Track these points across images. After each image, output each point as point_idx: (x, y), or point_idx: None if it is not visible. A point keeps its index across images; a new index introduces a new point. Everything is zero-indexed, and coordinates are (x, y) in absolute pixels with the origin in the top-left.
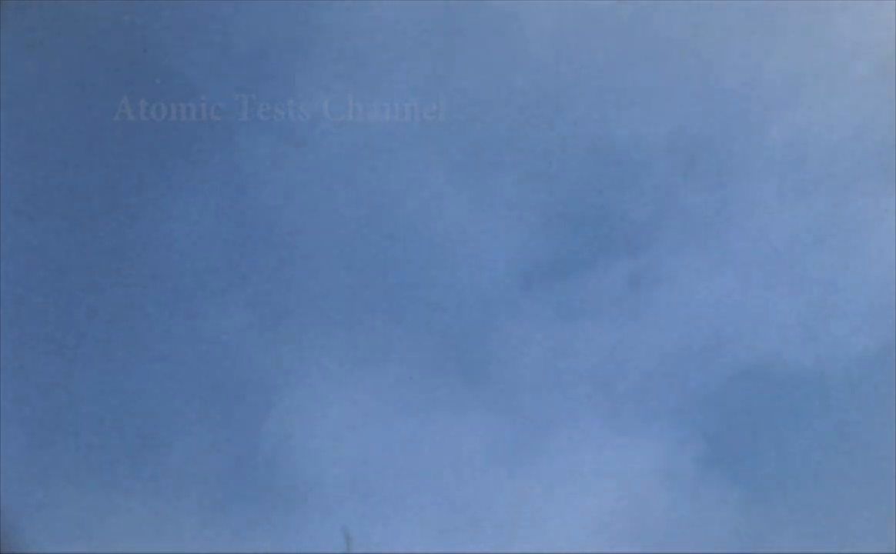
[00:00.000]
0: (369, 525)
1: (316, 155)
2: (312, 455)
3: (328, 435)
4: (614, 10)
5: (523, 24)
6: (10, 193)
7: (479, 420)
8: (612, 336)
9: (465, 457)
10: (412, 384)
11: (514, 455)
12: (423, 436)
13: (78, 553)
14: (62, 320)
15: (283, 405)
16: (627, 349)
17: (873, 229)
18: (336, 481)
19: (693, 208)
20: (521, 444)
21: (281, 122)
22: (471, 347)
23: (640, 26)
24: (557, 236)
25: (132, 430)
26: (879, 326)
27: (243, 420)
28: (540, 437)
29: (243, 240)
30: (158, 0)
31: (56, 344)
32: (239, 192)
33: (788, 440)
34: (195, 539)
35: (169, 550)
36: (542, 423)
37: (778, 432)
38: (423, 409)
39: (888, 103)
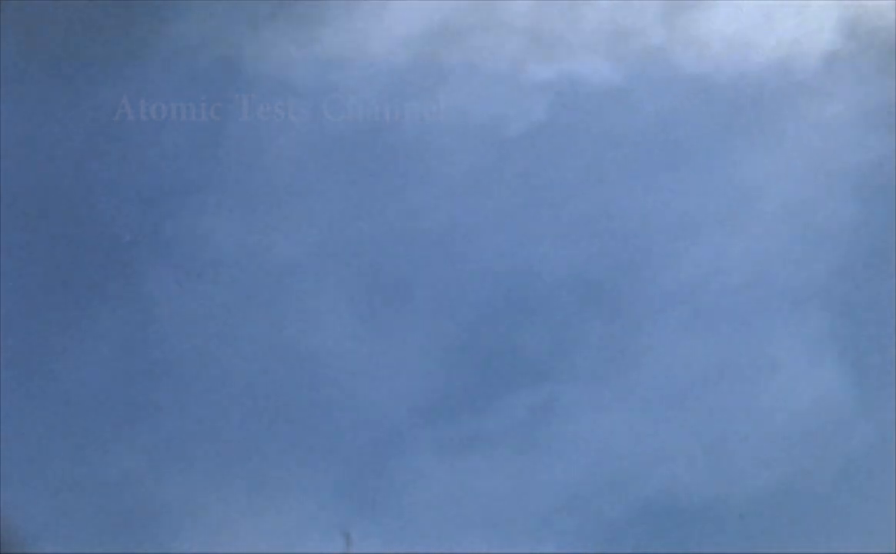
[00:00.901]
0: None
1: (218, 287)
2: None
3: None
4: (518, 147)
5: (428, 160)
6: None
7: None
8: (512, 469)
9: None
10: (313, 515)
11: None
12: None
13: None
14: None
15: (186, 536)
16: (528, 483)
17: (775, 366)
18: None
19: (595, 342)
20: None
21: (183, 254)
22: (369, 481)
23: (543, 162)
24: (459, 370)
25: None
26: (781, 461)
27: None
28: None
29: (144, 371)
30: None
31: None
32: (140, 322)
33: None
34: None
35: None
36: None
37: None
38: (323, 541)
39: (790, 242)
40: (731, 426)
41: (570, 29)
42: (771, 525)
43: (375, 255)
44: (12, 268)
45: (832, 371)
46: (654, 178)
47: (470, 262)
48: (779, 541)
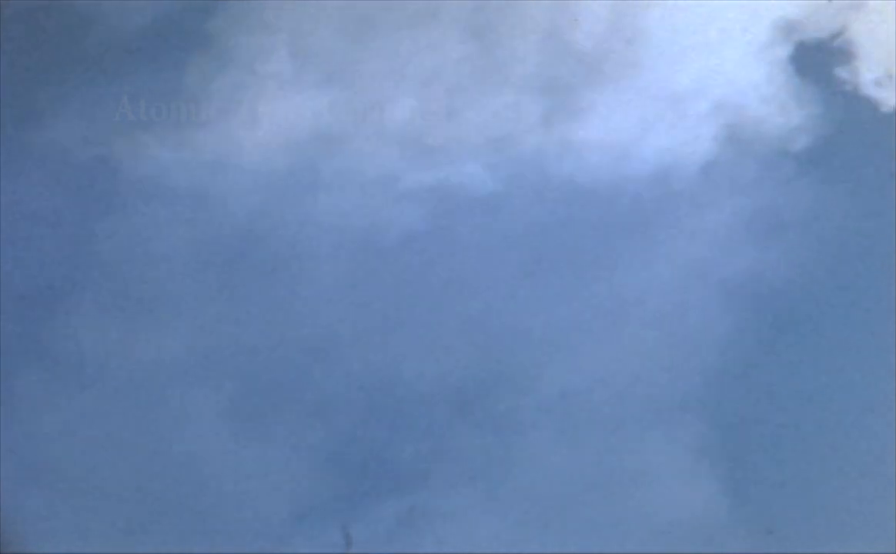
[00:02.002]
0: None
1: (92, 390)
2: None
3: None
4: (394, 255)
5: (303, 267)
6: None
7: None
8: None
9: None
10: None
11: None
12: None
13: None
14: None
15: None
16: None
17: (648, 477)
18: None
19: (466, 452)
20: None
21: (56, 355)
22: None
23: (419, 270)
24: (333, 476)
25: None
26: None
27: None
28: None
29: (15, 477)
30: None
31: None
32: (9, 427)
33: None
34: None
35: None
36: None
37: None
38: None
39: (665, 352)
40: (604, 538)
41: (449, 136)
42: None
43: (249, 362)
44: None
45: (706, 482)
46: (530, 287)
47: (343, 370)
48: None
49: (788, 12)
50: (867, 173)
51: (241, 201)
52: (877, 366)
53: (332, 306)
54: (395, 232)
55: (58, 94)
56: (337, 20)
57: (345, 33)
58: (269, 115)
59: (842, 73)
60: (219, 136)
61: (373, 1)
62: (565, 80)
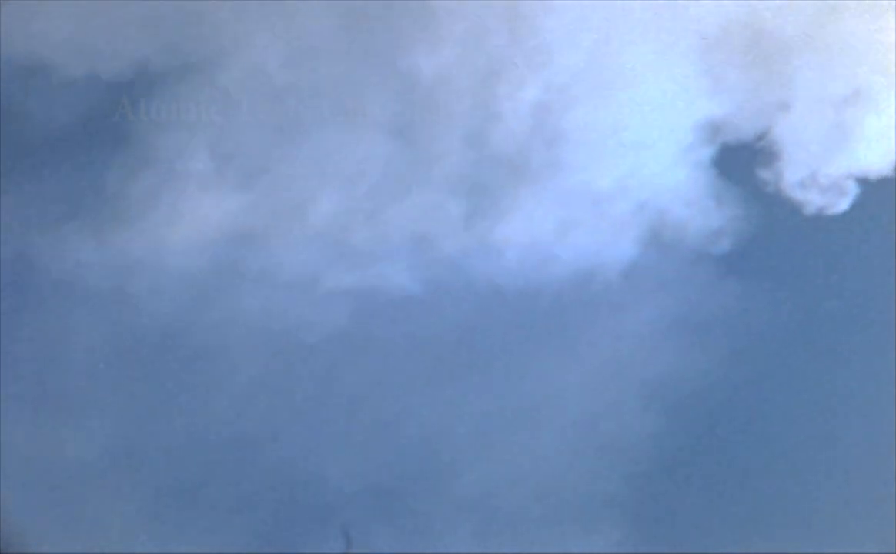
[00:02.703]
0: None
1: (5, 490)
2: None
3: None
4: (316, 353)
5: (224, 365)
6: None
7: None
8: None
9: None
10: None
11: None
12: None
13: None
14: None
15: None
16: None
17: None
18: None
19: (387, 549)
20: None
21: None
22: None
23: (340, 369)
24: None
25: None
26: None
27: None
28: None
29: None
30: None
31: None
32: None
33: None
34: None
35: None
36: None
37: None
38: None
39: (585, 453)
40: None
41: (371, 236)
42: None
43: (170, 459)
44: None
45: None
46: (450, 387)
47: (263, 468)
48: None
49: (713, 113)
50: (789, 274)
51: (162, 300)
52: (796, 464)
53: (253, 405)
54: (316, 331)
55: None
56: (259, 117)
57: (267, 131)
58: (189, 214)
59: (765, 174)
60: (140, 234)
61: (292, 99)
62: (487, 181)
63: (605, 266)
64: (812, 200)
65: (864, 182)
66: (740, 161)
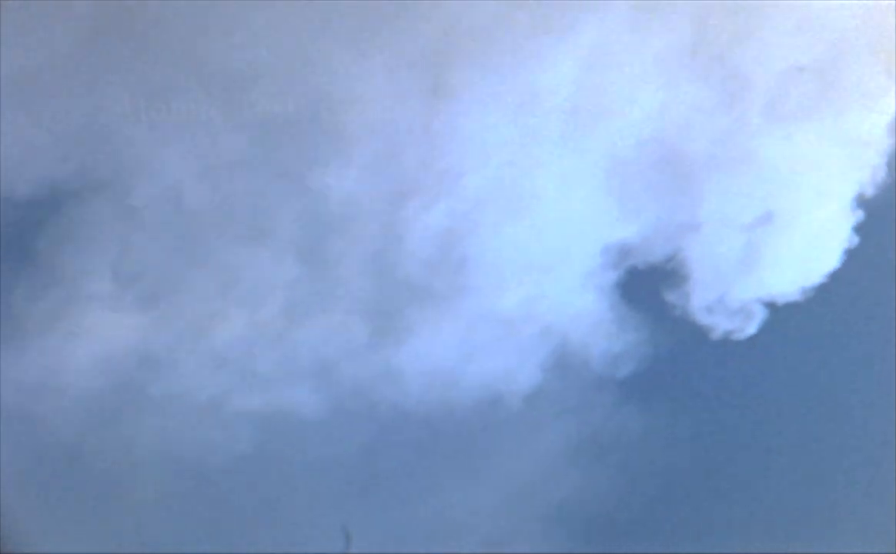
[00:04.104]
0: None
1: None
2: None
3: None
4: (221, 476)
5: (127, 487)
6: None
7: None
8: None
9: None
10: None
11: None
12: None
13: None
14: None
15: None
16: None
17: None
18: None
19: None
20: None
21: None
22: None
23: (245, 492)
24: None
25: None
26: None
27: None
28: None
29: None
30: None
31: None
32: None
33: None
34: None
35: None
36: None
37: None
38: None
39: None
40: None
41: (277, 359)
42: None
43: None
44: None
45: None
46: (355, 511)
47: None
48: None
49: (621, 235)
50: (692, 398)
51: (63, 422)
52: None
53: (157, 529)
54: (220, 455)
55: None
56: (166, 236)
57: (171, 250)
58: (93, 334)
59: (672, 297)
60: (42, 355)
61: (200, 218)
62: (393, 304)
63: (509, 389)
64: (719, 324)
65: (771, 306)
66: (647, 284)
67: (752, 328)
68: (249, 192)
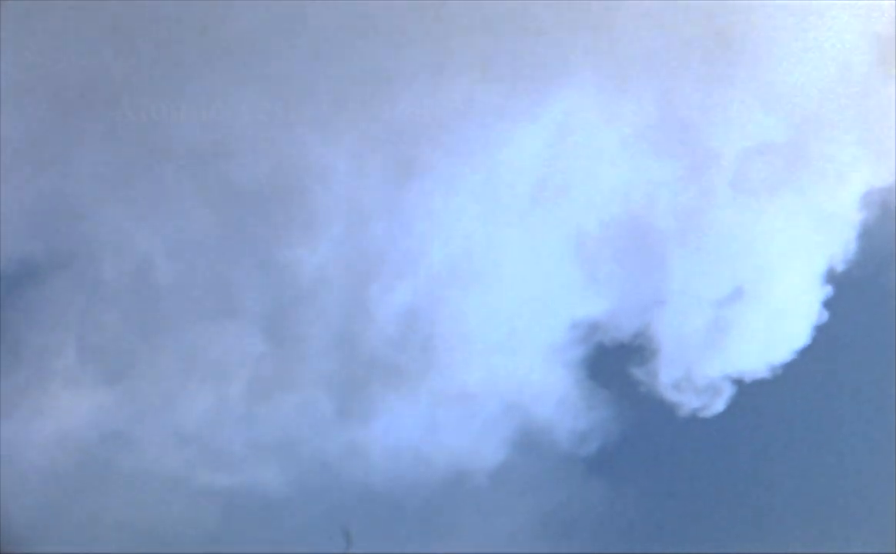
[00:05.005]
0: None
1: None
2: None
3: None
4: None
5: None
6: None
7: None
8: None
9: None
10: None
11: None
12: None
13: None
14: None
15: None
16: None
17: None
18: None
19: None
20: None
21: None
22: None
23: None
24: None
25: None
26: None
27: None
28: None
29: None
30: None
31: None
32: None
33: None
34: None
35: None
36: None
37: None
38: None
39: None
40: None
41: (242, 436)
42: None
43: None
44: None
45: None
46: None
47: None
48: None
49: (587, 311)
50: (659, 476)
51: (27, 499)
52: None
53: None
54: (186, 531)
55: None
56: (130, 313)
57: (137, 327)
58: (55, 413)
59: (639, 373)
60: (6, 433)
61: (166, 294)
62: (358, 381)
63: (473, 466)
64: (687, 401)
65: (739, 383)
66: (614, 360)
67: (719, 405)
68: (216, 268)
